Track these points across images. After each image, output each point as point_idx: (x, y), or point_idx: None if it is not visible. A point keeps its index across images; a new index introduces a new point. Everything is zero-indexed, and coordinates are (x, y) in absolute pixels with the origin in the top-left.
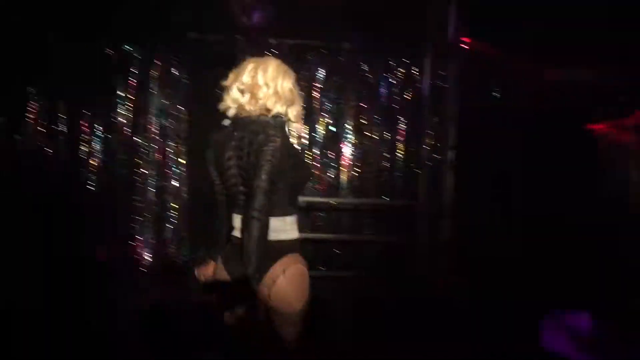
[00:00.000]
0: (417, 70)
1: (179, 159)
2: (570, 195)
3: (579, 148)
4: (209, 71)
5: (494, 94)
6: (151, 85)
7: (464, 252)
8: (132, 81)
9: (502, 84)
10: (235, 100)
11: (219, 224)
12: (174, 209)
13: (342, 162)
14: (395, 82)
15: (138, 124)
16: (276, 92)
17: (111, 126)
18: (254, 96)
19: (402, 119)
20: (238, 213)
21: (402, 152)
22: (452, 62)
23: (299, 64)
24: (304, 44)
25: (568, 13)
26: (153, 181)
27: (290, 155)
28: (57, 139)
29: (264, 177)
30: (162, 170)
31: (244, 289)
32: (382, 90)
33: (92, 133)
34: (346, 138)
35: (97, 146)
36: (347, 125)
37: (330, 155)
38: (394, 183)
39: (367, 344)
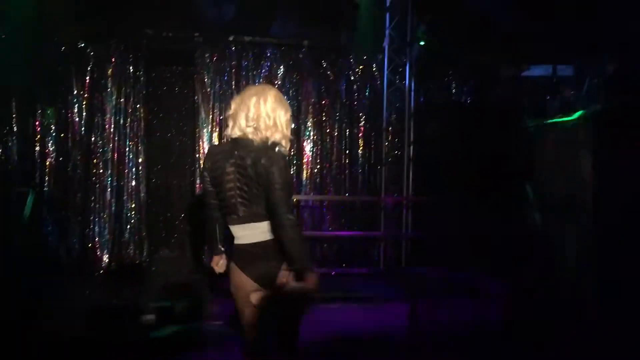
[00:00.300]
0: (375, 67)
1: (137, 159)
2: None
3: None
4: (166, 68)
5: (451, 89)
6: (106, 82)
7: (425, 244)
8: (87, 79)
9: (458, 80)
10: (242, 129)
11: (213, 225)
12: (132, 209)
13: (303, 159)
14: (354, 79)
15: (93, 123)
16: (275, 124)
17: (66, 125)
18: (258, 127)
19: (362, 115)
20: (236, 223)
21: (363, 149)
22: (410, 59)
23: (257, 61)
24: (263, 41)
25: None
26: (110, 181)
27: (287, 173)
28: (9, 137)
29: (278, 187)
30: (119, 169)
31: (266, 286)
32: (342, 87)
33: (46, 132)
34: (306, 135)
35: (51, 145)
36: (307, 122)
37: (291, 153)
38: (355, 179)
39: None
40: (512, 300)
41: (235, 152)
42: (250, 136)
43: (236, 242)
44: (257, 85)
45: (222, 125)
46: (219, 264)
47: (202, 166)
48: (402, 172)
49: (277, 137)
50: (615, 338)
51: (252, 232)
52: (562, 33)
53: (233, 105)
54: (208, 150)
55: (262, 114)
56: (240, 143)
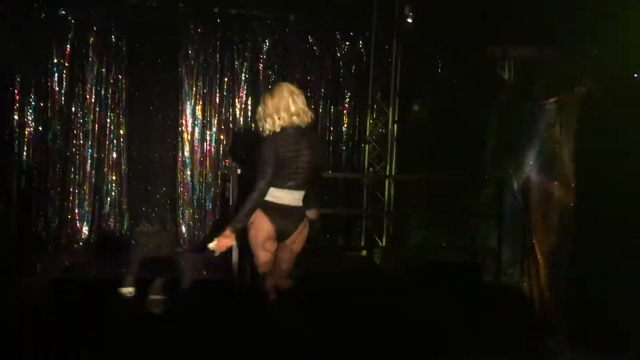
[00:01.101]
0: (362, 44)
1: (118, 130)
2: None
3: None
4: (149, 39)
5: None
6: (87, 51)
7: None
8: (67, 47)
9: (444, 60)
10: (289, 119)
11: (260, 199)
12: (113, 181)
13: None
14: (340, 56)
15: (74, 93)
16: (307, 111)
17: (45, 94)
18: (299, 116)
19: (347, 92)
20: (287, 188)
21: (347, 126)
22: (397, 37)
23: (243, 35)
24: (249, 14)
25: None
26: (90, 153)
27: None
28: None
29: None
30: (100, 141)
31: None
32: (328, 63)
33: (25, 101)
34: None
35: (30, 115)
36: None
37: None
38: (338, 156)
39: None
40: None
41: (302, 139)
42: (296, 123)
43: (276, 201)
44: (283, 84)
45: (205, 99)
46: (226, 244)
47: (274, 146)
48: (386, 150)
49: (309, 120)
50: None
51: (295, 197)
52: (548, 15)
53: (269, 104)
54: (279, 136)
55: (300, 107)
56: (300, 131)
